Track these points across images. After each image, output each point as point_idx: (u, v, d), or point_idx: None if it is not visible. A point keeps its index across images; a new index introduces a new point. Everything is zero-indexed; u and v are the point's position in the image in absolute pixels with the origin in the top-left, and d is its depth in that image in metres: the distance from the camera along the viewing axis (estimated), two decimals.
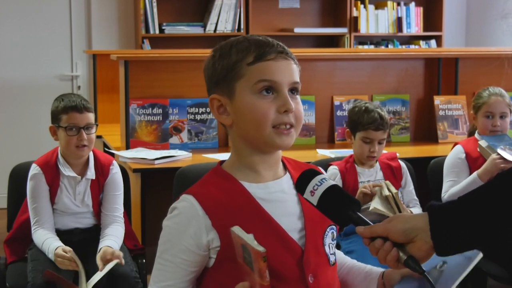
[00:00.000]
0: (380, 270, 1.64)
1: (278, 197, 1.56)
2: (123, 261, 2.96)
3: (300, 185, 1.49)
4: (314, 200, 1.46)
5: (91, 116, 3.13)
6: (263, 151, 1.56)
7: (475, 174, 3.40)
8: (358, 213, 1.46)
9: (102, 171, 3.22)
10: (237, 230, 1.40)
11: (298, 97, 1.56)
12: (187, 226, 1.51)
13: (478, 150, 3.49)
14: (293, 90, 1.55)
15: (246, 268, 1.41)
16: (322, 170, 1.69)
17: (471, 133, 3.79)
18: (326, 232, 1.58)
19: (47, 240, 3.06)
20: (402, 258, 1.39)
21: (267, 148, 1.55)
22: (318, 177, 1.47)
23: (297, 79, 1.56)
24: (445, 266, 1.51)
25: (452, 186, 3.48)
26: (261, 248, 1.34)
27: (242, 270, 1.43)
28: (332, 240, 1.60)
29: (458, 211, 1.38)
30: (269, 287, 1.37)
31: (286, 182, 1.59)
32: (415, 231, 1.39)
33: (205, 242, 1.50)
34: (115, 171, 3.26)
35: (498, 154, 3.36)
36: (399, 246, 1.41)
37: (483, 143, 3.47)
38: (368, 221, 1.45)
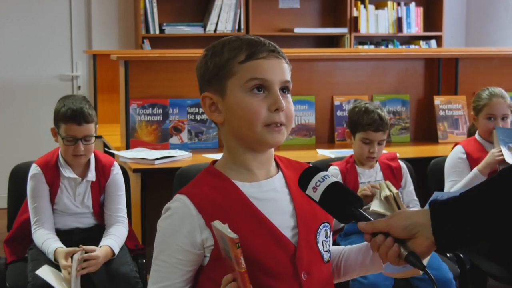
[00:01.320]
0: None
1: (271, 196, 1.57)
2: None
3: (303, 181, 1.50)
4: (316, 196, 1.47)
5: (90, 127, 3.09)
6: (254, 149, 1.56)
7: (475, 169, 3.41)
8: (360, 210, 1.47)
9: (103, 172, 3.21)
10: (216, 224, 1.42)
11: (289, 96, 1.57)
12: (180, 226, 1.52)
13: (493, 137, 3.47)
14: (284, 89, 1.56)
15: (228, 260, 1.43)
16: None
17: (470, 133, 3.79)
18: (319, 230, 1.59)
19: (46, 241, 3.06)
20: (403, 254, 1.40)
21: (258, 146, 1.56)
22: (321, 174, 1.48)
23: (288, 78, 1.57)
24: None
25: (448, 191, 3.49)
26: (233, 235, 1.36)
27: (226, 263, 1.45)
28: (326, 238, 1.61)
29: (460, 207, 1.39)
30: (246, 274, 1.39)
31: (278, 181, 1.60)
32: (416, 227, 1.40)
33: (199, 241, 1.51)
34: (116, 172, 3.25)
35: (499, 149, 3.37)
36: (400, 242, 1.42)
37: (495, 133, 3.44)
38: (370, 218, 1.46)
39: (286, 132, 1.56)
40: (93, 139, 3.11)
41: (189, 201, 1.53)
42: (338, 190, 1.46)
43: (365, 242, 1.65)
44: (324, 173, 1.49)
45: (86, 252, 2.98)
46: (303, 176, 1.50)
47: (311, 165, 1.68)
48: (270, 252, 1.51)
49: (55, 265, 3.02)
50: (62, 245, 3.04)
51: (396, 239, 1.42)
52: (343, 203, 1.46)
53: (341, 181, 3.22)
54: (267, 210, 1.54)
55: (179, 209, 1.53)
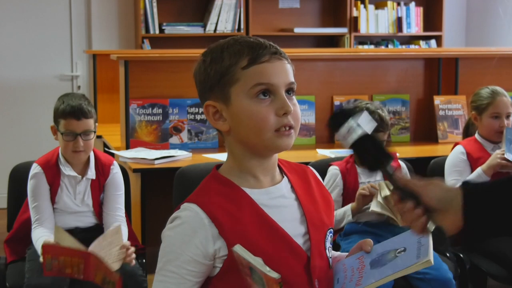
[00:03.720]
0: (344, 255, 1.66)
1: (279, 203, 1.54)
2: (133, 262, 2.94)
3: (338, 120, 1.46)
4: (354, 136, 1.43)
5: (89, 123, 3.09)
6: (262, 155, 1.53)
7: (479, 169, 3.40)
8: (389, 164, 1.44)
9: (103, 171, 3.22)
10: (239, 250, 1.37)
11: (294, 97, 1.53)
12: (192, 236, 1.46)
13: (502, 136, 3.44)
14: (289, 90, 1.52)
15: (256, 287, 1.38)
16: (314, 170, 1.68)
17: (466, 132, 3.77)
18: (327, 236, 1.57)
19: (40, 239, 3.05)
20: (430, 226, 1.35)
21: (267, 152, 1.52)
22: (355, 120, 1.44)
23: (293, 79, 1.53)
24: (401, 254, 1.49)
25: (455, 185, 3.48)
26: (275, 275, 1.31)
27: (250, 285, 1.40)
28: (330, 244, 1.60)
29: (492, 194, 1.35)
30: None
31: (285, 187, 1.57)
32: (450, 202, 1.37)
33: (212, 251, 1.46)
34: (116, 171, 3.26)
35: (503, 151, 3.36)
36: (430, 212, 1.36)
37: (505, 133, 3.40)
38: (396, 173, 1.42)
39: (295, 134, 1.51)
40: (92, 135, 3.12)
41: (200, 210, 1.48)
42: (376, 140, 1.44)
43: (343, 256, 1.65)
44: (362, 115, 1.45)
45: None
46: (338, 115, 1.46)
47: (310, 167, 1.67)
48: (284, 261, 1.48)
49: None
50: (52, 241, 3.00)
51: (426, 209, 1.36)
52: (381, 151, 1.43)
53: (342, 181, 3.27)
54: (278, 218, 1.51)
55: (190, 218, 1.47)
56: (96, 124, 3.18)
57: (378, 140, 1.45)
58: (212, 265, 1.48)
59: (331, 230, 1.59)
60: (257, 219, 1.49)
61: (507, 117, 3.54)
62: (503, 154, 3.36)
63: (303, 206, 1.55)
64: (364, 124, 1.44)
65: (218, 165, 1.60)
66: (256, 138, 1.49)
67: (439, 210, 1.36)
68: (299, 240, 1.52)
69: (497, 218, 1.33)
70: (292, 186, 1.57)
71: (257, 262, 1.34)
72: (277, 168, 1.59)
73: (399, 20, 6.97)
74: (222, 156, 3.79)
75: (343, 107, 1.49)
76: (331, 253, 1.59)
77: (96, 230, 3.21)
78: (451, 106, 4.63)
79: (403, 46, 7.07)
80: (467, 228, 1.34)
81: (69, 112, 3.06)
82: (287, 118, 1.49)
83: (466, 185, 1.38)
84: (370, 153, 1.42)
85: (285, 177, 1.59)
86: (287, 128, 1.49)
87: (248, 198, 1.51)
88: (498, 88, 3.59)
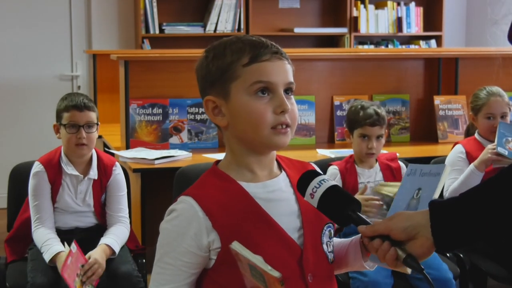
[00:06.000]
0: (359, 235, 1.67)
1: (277, 196, 1.56)
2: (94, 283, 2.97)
3: (301, 187, 1.50)
4: (314, 202, 1.47)
5: (92, 115, 3.13)
6: (259, 152, 1.56)
7: (472, 165, 3.41)
8: (358, 213, 1.47)
9: (105, 171, 3.22)
10: (237, 247, 1.38)
11: (292, 97, 1.56)
12: (187, 228, 1.50)
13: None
14: (288, 90, 1.55)
15: (256, 283, 1.39)
16: (316, 167, 1.69)
17: (468, 133, 3.78)
18: (324, 231, 1.59)
19: (48, 241, 3.05)
20: (401, 256, 1.40)
21: (264, 149, 1.55)
22: (317, 179, 1.48)
23: (292, 79, 1.56)
24: (420, 192, 1.53)
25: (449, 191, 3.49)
26: (276, 274, 1.32)
27: (248, 281, 1.42)
28: (330, 238, 1.61)
29: (459, 206, 1.39)
30: None
31: (282, 181, 1.59)
32: (416, 228, 1.40)
33: (206, 243, 1.49)
34: (118, 172, 3.26)
35: (494, 145, 3.37)
36: (399, 244, 1.41)
37: (498, 127, 3.43)
38: (368, 221, 1.46)
39: (291, 133, 1.55)
40: (94, 128, 3.14)
41: (195, 203, 1.51)
42: (335, 195, 1.47)
43: (350, 239, 1.67)
44: (321, 177, 1.49)
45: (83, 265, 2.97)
46: (301, 182, 1.50)
47: (312, 164, 1.68)
48: (278, 255, 1.50)
49: (50, 267, 3.01)
50: (64, 249, 3.03)
51: (394, 242, 1.42)
52: (341, 207, 1.46)
53: (341, 181, 3.27)
54: (274, 212, 1.53)
55: (186, 210, 1.51)
56: (98, 124, 3.18)
57: (343, 190, 1.49)
58: (208, 257, 1.51)
59: (330, 224, 1.60)
60: (251, 212, 1.52)
61: (503, 117, 3.54)
62: (494, 149, 3.36)
63: (299, 200, 1.57)
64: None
65: (218, 161, 1.63)
66: (253, 134, 1.52)
67: (408, 239, 1.41)
68: (294, 234, 1.54)
69: (465, 229, 1.37)
70: (290, 181, 1.59)
71: (257, 260, 1.35)
72: (276, 163, 1.62)
73: (399, 20, 6.97)
74: (222, 156, 3.77)
75: (308, 171, 1.51)
76: (330, 248, 1.60)
77: (96, 230, 3.22)
78: (451, 106, 4.63)
79: (403, 46, 7.07)
80: (437, 244, 1.39)
81: (72, 105, 3.11)
82: (284, 116, 1.52)
83: (433, 203, 1.42)
84: (336, 203, 1.46)
85: (283, 171, 1.61)
86: (284, 126, 1.52)
87: (243, 191, 1.53)
88: (495, 89, 3.59)
